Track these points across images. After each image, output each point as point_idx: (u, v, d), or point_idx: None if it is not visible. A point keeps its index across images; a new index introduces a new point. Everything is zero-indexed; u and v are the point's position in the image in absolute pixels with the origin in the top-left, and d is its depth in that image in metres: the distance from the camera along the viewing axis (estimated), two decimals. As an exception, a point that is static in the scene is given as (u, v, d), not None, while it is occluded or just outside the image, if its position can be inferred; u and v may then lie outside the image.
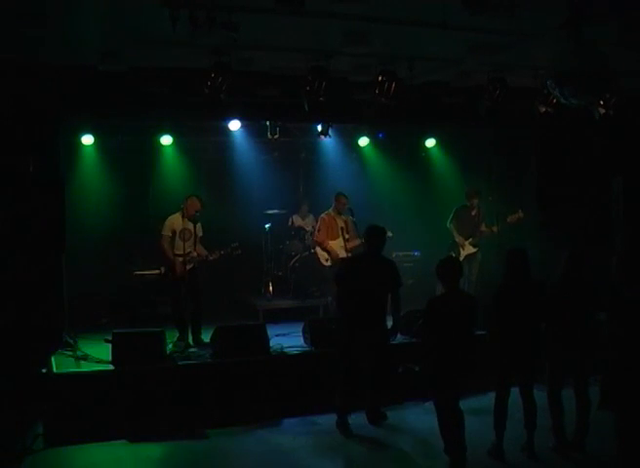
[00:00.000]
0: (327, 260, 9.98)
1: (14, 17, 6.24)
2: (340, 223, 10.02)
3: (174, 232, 8.99)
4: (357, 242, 9.85)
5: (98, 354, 8.05)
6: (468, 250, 10.39)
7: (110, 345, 7.74)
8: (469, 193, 10.66)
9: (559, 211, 10.54)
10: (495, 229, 10.36)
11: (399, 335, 9.05)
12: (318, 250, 10.09)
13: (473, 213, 10.63)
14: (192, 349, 8.64)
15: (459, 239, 10.44)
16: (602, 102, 8.25)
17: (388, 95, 8.08)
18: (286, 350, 8.42)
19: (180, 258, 8.92)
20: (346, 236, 9.84)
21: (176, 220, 9.04)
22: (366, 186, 12.17)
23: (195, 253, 9.07)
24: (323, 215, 10.17)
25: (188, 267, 9.00)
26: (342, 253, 9.84)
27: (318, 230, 10.15)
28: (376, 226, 7.40)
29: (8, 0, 5.97)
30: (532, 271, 6.34)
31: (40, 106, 8.13)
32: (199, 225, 9.13)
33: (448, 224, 10.66)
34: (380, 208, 11.95)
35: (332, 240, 10.01)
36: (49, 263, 8.30)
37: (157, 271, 10.03)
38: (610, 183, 10.69)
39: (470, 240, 10.43)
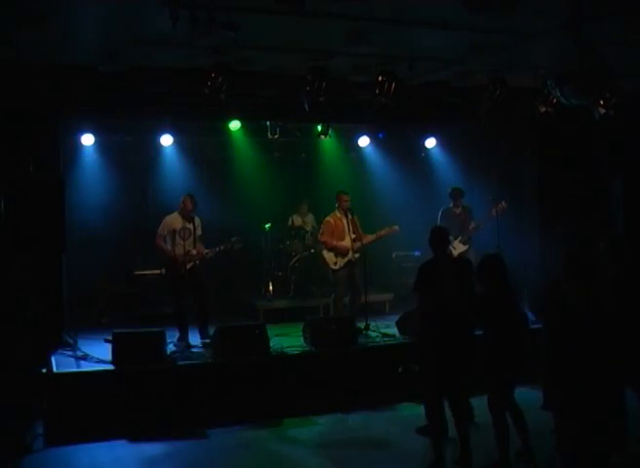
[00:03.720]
0: (335, 264, 9.87)
1: (14, 17, 6.24)
2: (347, 223, 9.87)
3: (172, 231, 8.97)
4: (369, 238, 9.85)
5: (98, 354, 8.06)
6: (459, 248, 10.39)
7: (110, 345, 7.75)
8: (452, 194, 10.65)
9: (559, 210, 10.54)
10: (482, 226, 10.37)
11: (399, 335, 9.12)
12: (325, 252, 10.00)
13: (458, 212, 10.63)
14: (193, 349, 8.64)
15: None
16: (602, 102, 8.24)
17: (388, 95, 8.08)
18: (286, 350, 8.42)
19: (180, 258, 8.92)
20: (352, 236, 9.79)
21: (174, 220, 9.02)
22: (366, 186, 12.17)
23: (195, 252, 9.07)
24: (328, 218, 9.97)
25: (188, 266, 8.99)
26: (351, 254, 9.80)
27: (322, 233, 10.07)
28: (433, 228, 7.23)
29: (8, 0, 5.96)
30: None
31: (40, 106, 8.13)
32: (198, 224, 9.14)
33: None
34: (380, 208, 11.97)
35: (339, 241, 9.86)
36: (49, 263, 8.30)
37: (158, 271, 10.02)
38: (610, 183, 10.68)
39: (460, 238, 10.43)
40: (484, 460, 6.18)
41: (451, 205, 10.66)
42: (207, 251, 9.23)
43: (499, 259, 6.29)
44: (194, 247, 9.06)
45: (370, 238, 9.89)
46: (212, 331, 8.50)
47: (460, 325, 6.20)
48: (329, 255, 9.87)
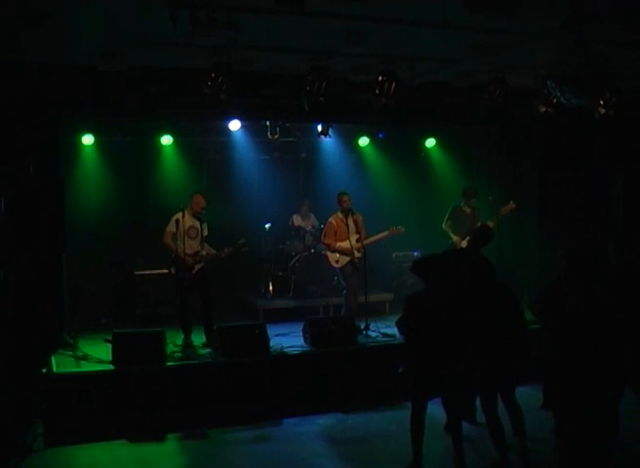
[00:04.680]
0: (337, 262, 9.88)
1: (14, 17, 6.24)
2: (350, 223, 9.84)
3: (180, 230, 8.90)
4: (373, 238, 9.88)
5: (98, 354, 8.06)
6: None
7: (110, 345, 7.75)
8: (466, 193, 10.62)
9: (559, 211, 10.54)
10: (491, 224, 10.34)
11: (399, 335, 9.10)
12: (328, 252, 10.05)
13: (468, 212, 10.60)
14: (192, 349, 8.64)
15: (455, 239, 10.38)
16: (602, 102, 8.24)
17: (388, 95, 8.07)
18: (286, 350, 8.42)
19: (189, 258, 8.87)
20: (356, 236, 9.77)
21: (182, 218, 8.93)
22: (366, 186, 12.18)
23: (204, 253, 9.05)
24: (330, 219, 9.98)
25: (198, 267, 8.98)
26: (355, 253, 9.79)
27: (324, 235, 10.04)
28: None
29: (8, 0, 5.96)
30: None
31: (40, 106, 8.13)
32: (205, 225, 9.13)
33: (443, 225, 10.61)
34: (380, 208, 11.98)
35: (341, 241, 9.84)
36: (49, 263, 8.31)
37: (163, 271, 10.00)
38: (610, 183, 10.68)
39: (467, 238, 10.37)
40: (485, 461, 6.19)
41: (462, 203, 10.64)
42: (215, 252, 9.21)
43: (487, 262, 6.28)
44: (202, 247, 9.06)
45: (373, 238, 9.91)
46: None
47: (453, 322, 6.11)
48: (331, 254, 9.89)
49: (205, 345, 8.72)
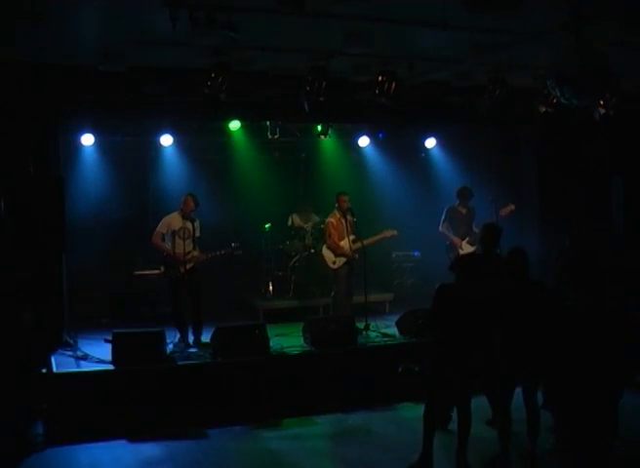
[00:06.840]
0: (334, 263, 9.85)
1: (14, 17, 6.24)
2: (348, 224, 9.79)
3: (171, 231, 8.95)
4: (366, 241, 9.75)
5: (98, 354, 8.06)
6: (467, 249, 10.27)
7: (110, 345, 7.75)
8: (462, 193, 10.55)
9: (559, 210, 10.54)
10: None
11: (399, 335, 9.11)
12: (326, 252, 9.97)
13: (464, 212, 10.54)
14: (192, 349, 8.65)
15: (455, 240, 10.31)
16: (602, 102, 8.24)
17: (388, 95, 8.08)
18: (286, 350, 8.42)
19: (179, 258, 8.90)
20: (352, 237, 9.77)
21: (173, 219, 9.00)
22: (366, 186, 12.18)
23: (196, 253, 9.07)
24: (330, 219, 9.89)
25: (188, 266, 9.00)
26: (353, 255, 9.75)
27: (329, 236, 9.89)
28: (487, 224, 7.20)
29: (8, 0, 5.96)
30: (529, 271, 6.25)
31: (40, 106, 8.13)
32: (197, 224, 9.13)
33: (440, 228, 10.51)
34: (380, 208, 11.97)
35: (340, 241, 9.79)
36: (49, 263, 8.30)
37: (157, 271, 10.02)
38: (610, 183, 10.68)
39: (467, 239, 10.34)
40: (483, 458, 6.20)
41: (457, 204, 10.58)
42: (209, 254, 9.20)
43: (524, 254, 6.19)
44: (193, 248, 9.07)
45: (367, 241, 9.84)
46: (209, 332, 8.51)
47: (480, 319, 6.00)
48: (328, 254, 9.86)
49: (202, 345, 8.72)
